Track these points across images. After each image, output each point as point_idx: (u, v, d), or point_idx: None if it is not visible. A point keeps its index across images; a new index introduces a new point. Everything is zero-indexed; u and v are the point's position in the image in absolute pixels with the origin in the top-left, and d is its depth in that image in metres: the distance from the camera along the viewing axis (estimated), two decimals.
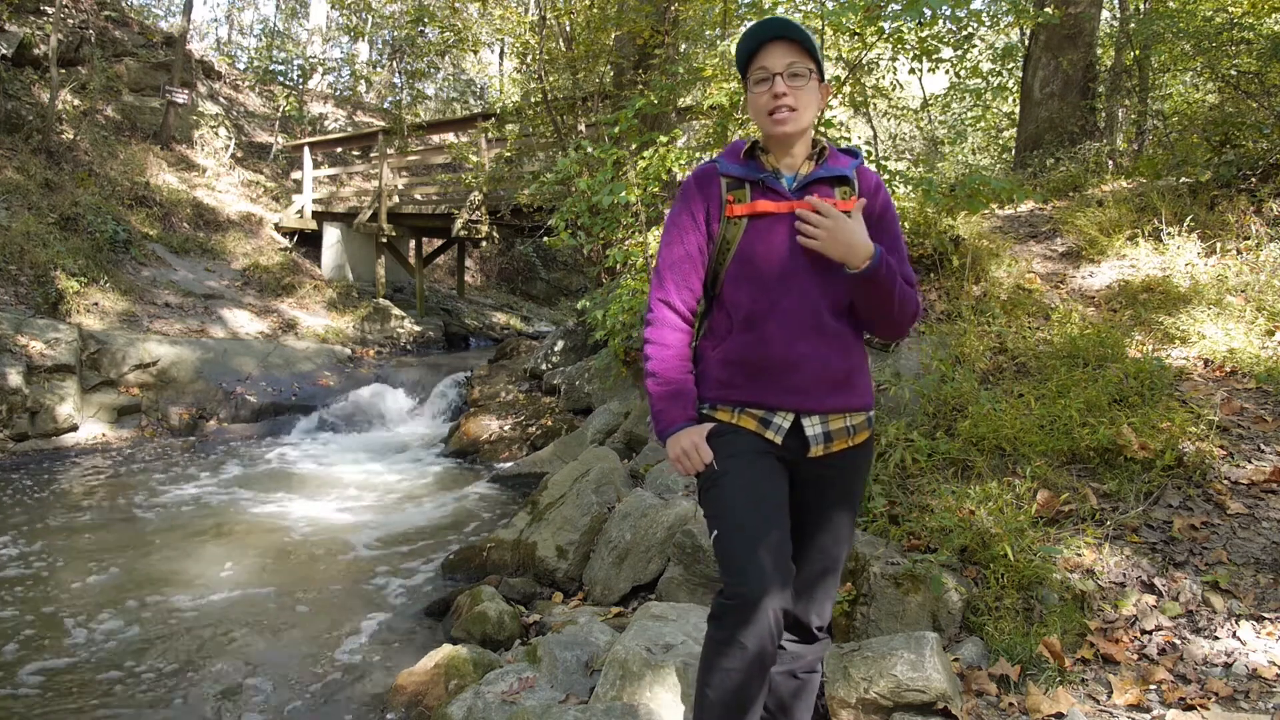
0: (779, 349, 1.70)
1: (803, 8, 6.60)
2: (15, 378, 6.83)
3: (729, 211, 1.76)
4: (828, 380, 1.72)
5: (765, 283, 1.72)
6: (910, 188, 5.22)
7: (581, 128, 8.44)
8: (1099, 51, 9.51)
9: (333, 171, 14.61)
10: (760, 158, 1.79)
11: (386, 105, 20.58)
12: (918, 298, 1.77)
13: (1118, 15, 10.97)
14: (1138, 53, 8.59)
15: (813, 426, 1.74)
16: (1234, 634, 2.42)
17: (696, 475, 1.77)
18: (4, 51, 11.63)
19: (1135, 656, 2.41)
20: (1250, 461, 3.08)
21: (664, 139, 5.30)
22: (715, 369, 1.79)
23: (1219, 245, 4.78)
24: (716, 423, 1.77)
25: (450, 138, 14.75)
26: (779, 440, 1.73)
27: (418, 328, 11.72)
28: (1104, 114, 9.03)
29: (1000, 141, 13.59)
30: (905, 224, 5.04)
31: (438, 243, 14.11)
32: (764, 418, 1.74)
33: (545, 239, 6.99)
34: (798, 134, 1.74)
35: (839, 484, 1.80)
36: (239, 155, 15.22)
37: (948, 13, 5.21)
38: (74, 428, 7.16)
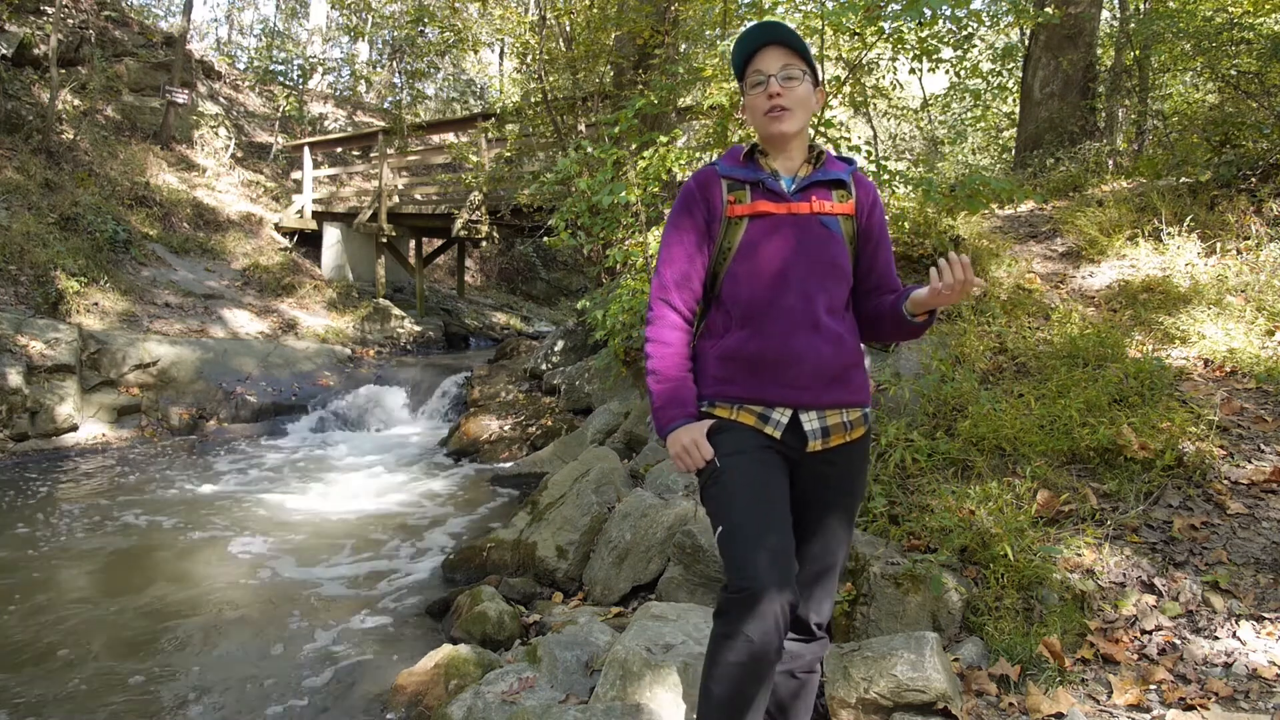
0: (776, 345, 1.73)
1: (803, 8, 6.60)
2: (15, 378, 6.83)
3: (730, 212, 1.79)
4: (824, 376, 1.75)
5: (764, 281, 1.75)
6: (910, 188, 5.22)
7: (581, 128, 8.44)
8: (1099, 51, 9.51)
9: (333, 171, 14.60)
10: (759, 160, 1.84)
11: (386, 105, 20.58)
12: None
13: (1118, 15, 10.97)
14: (1138, 53, 8.59)
15: (810, 422, 1.76)
16: (1234, 634, 2.42)
17: (697, 473, 1.78)
18: (4, 51, 11.63)
19: (1135, 656, 2.41)
20: (1250, 461, 3.08)
21: (664, 139, 5.30)
22: (713, 366, 1.81)
23: (1219, 245, 4.78)
24: (716, 419, 1.78)
25: (450, 138, 14.75)
26: (778, 435, 1.75)
27: (418, 328, 11.72)
28: (1104, 114, 9.03)
29: (1000, 141, 13.60)
30: (905, 224, 5.04)
31: (438, 243, 14.11)
32: (762, 413, 1.76)
33: (545, 239, 6.98)
34: (794, 134, 1.79)
35: (838, 480, 1.82)
36: (239, 155, 15.22)
37: (948, 13, 5.21)
38: (74, 428, 7.16)
